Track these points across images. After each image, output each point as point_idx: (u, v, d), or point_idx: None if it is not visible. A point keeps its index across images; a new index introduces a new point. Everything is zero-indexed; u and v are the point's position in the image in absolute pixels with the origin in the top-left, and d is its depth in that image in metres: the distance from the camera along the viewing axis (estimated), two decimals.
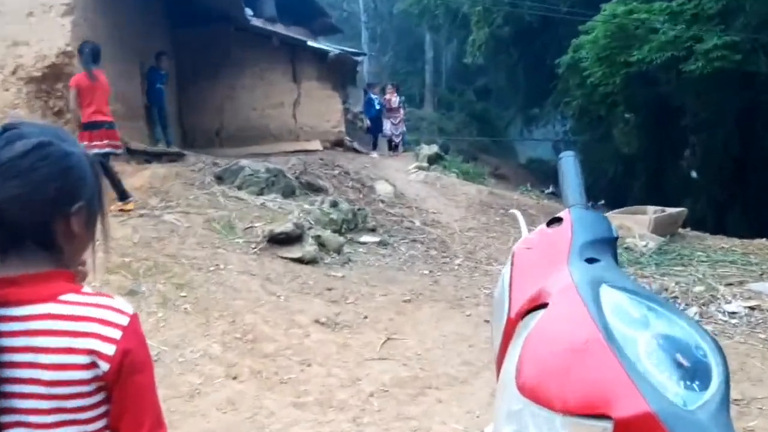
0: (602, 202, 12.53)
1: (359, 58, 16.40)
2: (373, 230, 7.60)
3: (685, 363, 1.01)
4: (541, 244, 1.42)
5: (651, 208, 8.34)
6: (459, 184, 10.51)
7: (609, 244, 1.35)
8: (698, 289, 5.51)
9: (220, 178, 7.89)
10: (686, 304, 5.19)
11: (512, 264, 1.45)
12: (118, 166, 7.66)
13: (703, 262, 6.55)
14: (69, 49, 7.81)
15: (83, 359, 1.01)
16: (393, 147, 13.67)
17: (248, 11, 12.14)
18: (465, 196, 9.79)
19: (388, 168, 11.22)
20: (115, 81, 7.34)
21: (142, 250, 5.52)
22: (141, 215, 6.33)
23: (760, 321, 4.82)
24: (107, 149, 6.32)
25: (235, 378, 3.84)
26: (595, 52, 12.35)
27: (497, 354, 1.40)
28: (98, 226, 1.13)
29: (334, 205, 7.53)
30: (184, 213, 6.52)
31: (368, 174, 10.18)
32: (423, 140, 16.01)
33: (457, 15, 19.69)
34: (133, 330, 1.06)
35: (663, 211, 8.19)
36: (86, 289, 1.07)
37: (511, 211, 2.20)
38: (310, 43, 13.11)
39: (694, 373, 1.00)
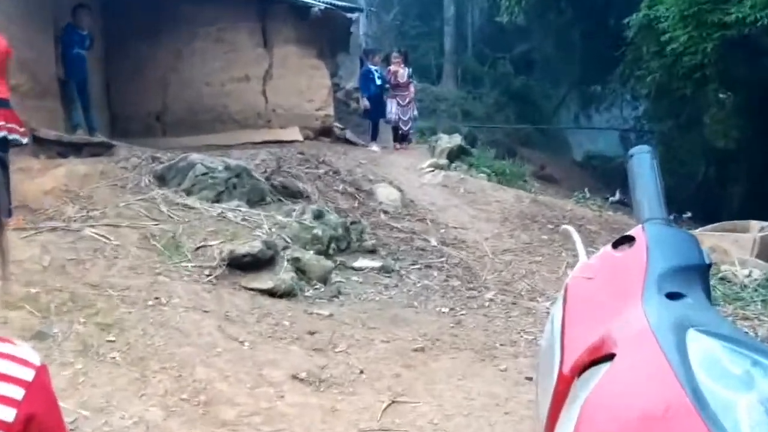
0: (688, 214, 12.56)
1: (353, 15, 16.45)
2: (372, 251, 7.59)
3: None
4: (605, 273, 1.43)
5: (756, 224, 8.33)
6: (491, 189, 10.51)
7: (698, 273, 1.36)
8: None
9: (161, 179, 7.91)
10: None
11: (565, 300, 1.45)
12: (21, 162, 7.68)
13: None
14: None
15: None
16: (400, 137, 13.71)
17: None
18: (499, 206, 9.79)
19: (394, 166, 11.23)
20: (17, 45, 7.37)
21: (54, 277, 5.53)
22: (53, 230, 6.34)
23: None
24: (3, 133, 6.34)
25: None
26: (679, 8, 12.38)
27: (544, 424, 1.40)
28: None
29: (319, 216, 7.54)
30: (112, 226, 6.54)
31: (366, 174, 10.18)
32: (441, 128, 16.06)
33: None
34: (40, 387, 1.05)
35: None
36: None
37: (563, 227, 2.20)
38: None
39: None
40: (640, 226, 1.49)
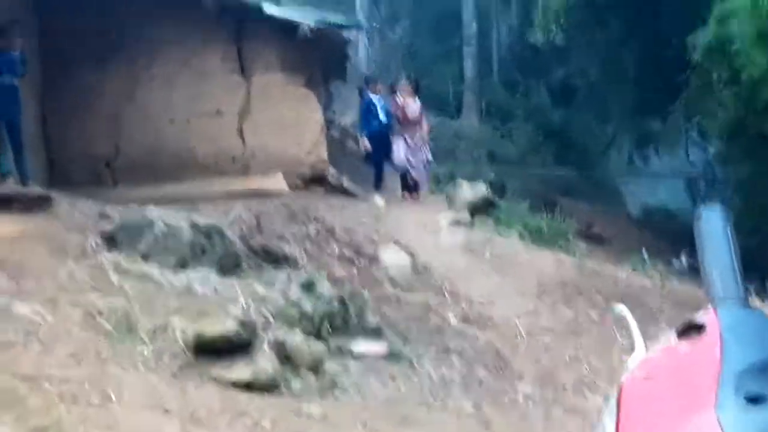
0: None
1: (351, 34, 16.66)
2: (375, 332, 7.57)
3: None
4: (668, 370, 1.44)
5: None
6: (524, 252, 10.52)
7: None
8: None
9: (112, 241, 7.94)
10: None
11: (619, 405, 1.46)
12: None
13: None
14: None
15: None
16: (410, 186, 13.76)
17: None
18: (535, 273, 9.77)
19: (402, 223, 11.26)
20: None
21: None
22: None
23: None
24: None
25: None
26: (755, 26, 12.52)
27: None
28: None
29: (309, 287, 7.54)
30: (49, 302, 6.54)
31: (368, 233, 10.20)
32: (461, 174, 16.13)
33: None
34: None
35: None
36: None
37: (615, 308, 2.21)
38: (268, 8, 13.38)
39: None
40: (711, 309, 1.50)
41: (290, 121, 13.29)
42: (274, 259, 8.45)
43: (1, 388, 5.33)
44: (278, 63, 13.37)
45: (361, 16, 25.26)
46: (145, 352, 6.14)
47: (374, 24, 24.24)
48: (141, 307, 6.70)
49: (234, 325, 6.31)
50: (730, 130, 15.60)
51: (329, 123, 16.41)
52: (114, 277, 7.18)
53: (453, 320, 8.19)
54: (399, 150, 13.60)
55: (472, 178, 14.32)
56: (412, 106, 13.78)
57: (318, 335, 7.05)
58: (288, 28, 13.30)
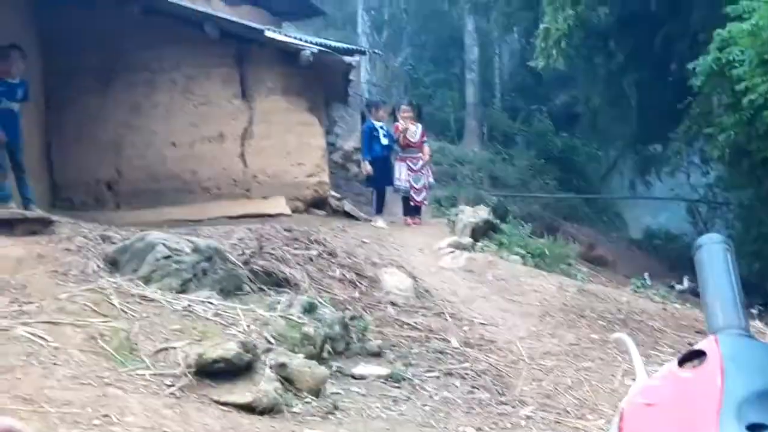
0: None
1: (353, 60, 16.73)
2: (377, 355, 7.56)
3: None
4: (669, 397, 1.42)
5: None
6: (526, 276, 10.51)
7: None
8: None
9: (113, 264, 7.93)
10: None
11: (621, 430, 1.44)
12: None
13: None
14: None
15: None
16: (412, 210, 13.78)
17: None
18: (537, 297, 9.77)
19: (404, 246, 11.26)
20: None
21: None
22: None
23: None
24: None
25: None
26: (756, 50, 12.56)
27: None
28: None
29: (311, 310, 7.53)
30: (51, 324, 6.53)
31: (369, 256, 10.20)
32: (463, 198, 16.16)
33: None
34: None
35: None
36: None
37: (616, 336, 2.20)
38: (270, 33, 13.46)
39: None
40: (712, 337, 1.49)
41: (292, 144, 13.34)
42: (276, 281, 8.44)
43: (2, 410, 5.31)
44: (280, 87, 13.42)
45: (363, 41, 25.38)
46: (147, 375, 6.12)
47: (376, 51, 24.30)
48: (142, 330, 6.69)
49: (235, 347, 6.28)
50: (732, 155, 15.60)
51: (331, 147, 16.46)
52: (115, 300, 7.16)
53: (455, 343, 8.18)
54: (400, 174, 13.65)
55: (473, 203, 14.35)
56: (414, 130, 13.82)
57: (320, 358, 7.04)
58: (290, 53, 13.36)
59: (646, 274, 14.03)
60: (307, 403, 6.35)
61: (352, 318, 7.97)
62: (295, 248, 9.64)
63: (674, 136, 19.42)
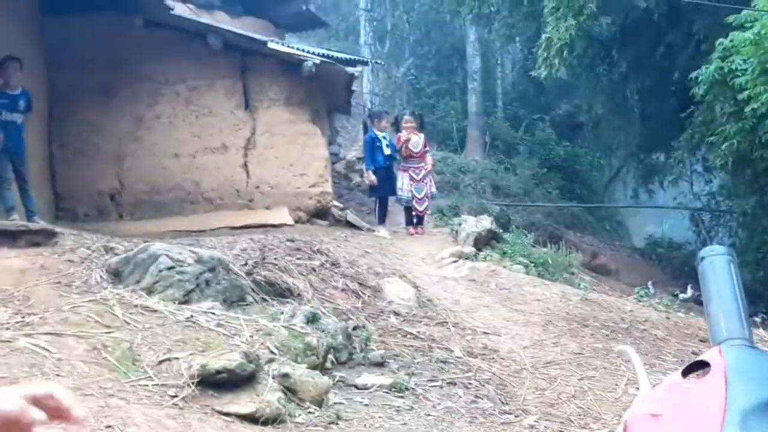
0: None
1: (356, 70, 16.74)
2: (380, 364, 7.54)
3: None
4: (673, 408, 1.42)
5: None
6: (529, 285, 10.50)
7: None
8: None
9: (116, 275, 7.93)
10: None
11: None
12: None
13: None
14: None
15: None
16: (415, 220, 13.77)
17: None
18: (540, 306, 9.75)
19: (407, 256, 11.25)
20: None
21: None
22: None
23: None
24: None
25: None
26: (759, 59, 12.56)
27: None
28: None
29: (314, 320, 7.52)
30: (54, 335, 6.52)
31: (372, 266, 10.19)
32: (466, 207, 16.15)
33: None
34: None
35: None
36: None
37: (620, 348, 2.19)
38: (273, 45, 13.48)
39: None
40: (716, 348, 1.48)
41: (295, 155, 13.34)
42: (279, 292, 8.43)
43: (6, 421, 5.29)
44: (283, 98, 13.43)
45: (365, 52, 25.39)
46: (150, 386, 6.12)
47: (378, 61, 24.33)
48: (145, 341, 6.68)
49: (238, 358, 6.27)
50: (734, 164, 15.57)
51: (334, 157, 16.47)
52: (118, 311, 7.15)
53: (458, 352, 8.16)
54: (403, 184, 13.65)
55: (476, 212, 14.35)
56: (416, 140, 13.81)
57: (322, 368, 7.03)
58: (292, 63, 13.38)
59: (649, 283, 14.00)
60: (310, 413, 6.33)
61: (355, 328, 7.96)
62: (298, 258, 9.63)
63: (677, 145, 19.39)
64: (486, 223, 12.84)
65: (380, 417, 6.59)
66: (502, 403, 7.17)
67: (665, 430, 1.40)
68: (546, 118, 26.85)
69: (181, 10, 13.22)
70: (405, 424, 6.54)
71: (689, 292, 14.48)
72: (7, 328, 6.63)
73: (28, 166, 10.57)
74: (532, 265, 11.92)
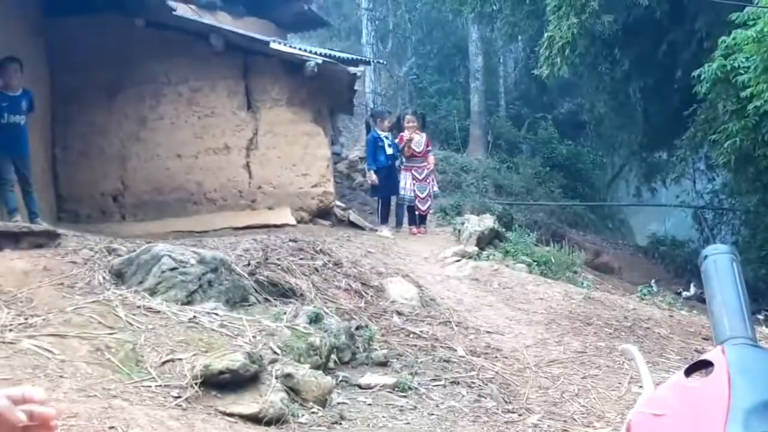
0: None
1: (358, 70, 16.75)
2: (383, 364, 7.54)
3: None
4: (677, 408, 1.41)
5: None
6: (532, 284, 10.49)
7: None
8: None
9: (119, 276, 7.93)
10: None
11: None
12: None
13: None
14: None
15: None
16: (417, 219, 13.76)
17: None
18: (543, 304, 9.74)
19: (410, 255, 11.25)
20: None
21: None
22: None
23: None
24: None
25: None
26: (762, 57, 12.54)
27: None
28: None
29: (316, 320, 7.52)
30: (57, 337, 6.52)
31: (375, 266, 10.19)
32: (468, 207, 16.14)
33: None
34: None
35: None
36: None
37: (623, 347, 2.18)
38: (275, 45, 13.48)
39: None
40: (719, 347, 1.48)
41: (297, 155, 13.34)
42: (282, 292, 8.42)
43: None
44: (285, 98, 13.43)
45: (367, 51, 25.38)
46: (153, 387, 6.12)
47: (380, 60, 24.32)
48: (148, 342, 6.68)
49: (241, 358, 6.27)
50: (737, 161, 15.56)
51: (336, 157, 16.46)
52: (121, 312, 7.15)
53: (461, 351, 8.15)
54: (405, 183, 13.65)
55: (479, 211, 14.34)
56: (418, 140, 13.81)
57: (325, 368, 7.03)
58: (295, 64, 13.37)
59: (652, 281, 14.00)
60: (313, 413, 6.33)
61: (358, 328, 7.95)
62: (301, 258, 9.63)
63: (680, 143, 19.36)
64: (488, 222, 12.83)
65: (383, 416, 6.59)
66: (506, 402, 7.16)
67: (668, 430, 1.39)
68: (548, 116, 26.82)
69: (184, 10, 13.22)
70: (408, 423, 6.53)
71: (692, 290, 14.47)
72: (11, 330, 6.63)
73: (30, 168, 10.55)
74: (535, 263, 11.91)
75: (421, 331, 8.50)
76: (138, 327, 6.93)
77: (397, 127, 14.21)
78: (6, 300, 7.14)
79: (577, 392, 7.47)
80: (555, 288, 10.43)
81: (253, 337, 6.90)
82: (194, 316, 7.26)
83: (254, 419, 5.96)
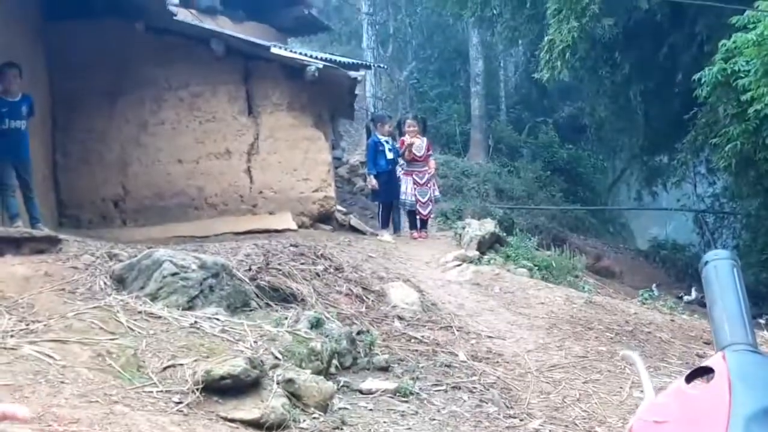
0: None
1: (359, 74, 16.75)
2: (384, 369, 7.53)
3: None
4: (678, 414, 1.41)
5: None
6: (533, 288, 10.48)
7: None
8: None
9: (120, 281, 7.93)
10: None
11: None
12: None
13: None
14: None
15: None
16: (418, 224, 13.75)
17: None
18: (544, 309, 9.74)
19: (411, 260, 11.24)
20: None
21: None
22: None
23: None
24: None
25: None
26: (762, 60, 12.55)
27: None
28: None
29: (318, 325, 7.52)
30: (58, 342, 6.52)
31: (376, 271, 10.18)
32: (469, 211, 16.14)
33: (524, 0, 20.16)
34: None
35: None
36: None
37: (624, 353, 2.19)
38: (276, 49, 13.48)
39: None
40: (720, 353, 1.48)
41: (298, 160, 13.35)
42: (283, 297, 8.42)
43: (10, 429, 5.29)
44: (286, 103, 13.44)
45: (368, 56, 25.39)
46: (154, 392, 6.11)
47: (381, 65, 24.31)
48: (149, 347, 6.68)
49: (242, 363, 6.27)
50: (738, 165, 15.57)
51: (337, 161, 16.46)
52: (123, 318, 7.15)
53: (462, 356, 8.15)
54: (407, 188, 13.64)
55: (480, 215, 14.34)
56: (419, 144, 13.80)
57: (327, 373, 7.02)
58: (295, 68, 13.37)
59: (653, 286, 13.99)
60: (314, 418, 6.32)
61: (359, 333, 7.95)
62: (302, 263, 9.63)
63: (680, 147, 19.35)
64: (489, 226, 12.83)
65: (385, 422, 6.59)
66: (507, 407, 7.16)
67: None
68: (549, 120, 26.85)
69: (184, 15, 13.26)
70: (410, 428, 6.53)
71: (693, 294, 14.47)
72: (12, 336, 6.63)
73: (31, 173, 10.55)
74: (536, 268, 11.90)
75: (423, 336, 8.49)
76: (139, 332, 6.93)
77: (399, 132, 14.21)
78: (7, 306, 7.14)
79: (579, 397, 7.47)
80: (556, 292, 10.43)
81: (255, 342, 6.89)
82: (195, 322, 7.26)
83: (256, 425, 5.95)
